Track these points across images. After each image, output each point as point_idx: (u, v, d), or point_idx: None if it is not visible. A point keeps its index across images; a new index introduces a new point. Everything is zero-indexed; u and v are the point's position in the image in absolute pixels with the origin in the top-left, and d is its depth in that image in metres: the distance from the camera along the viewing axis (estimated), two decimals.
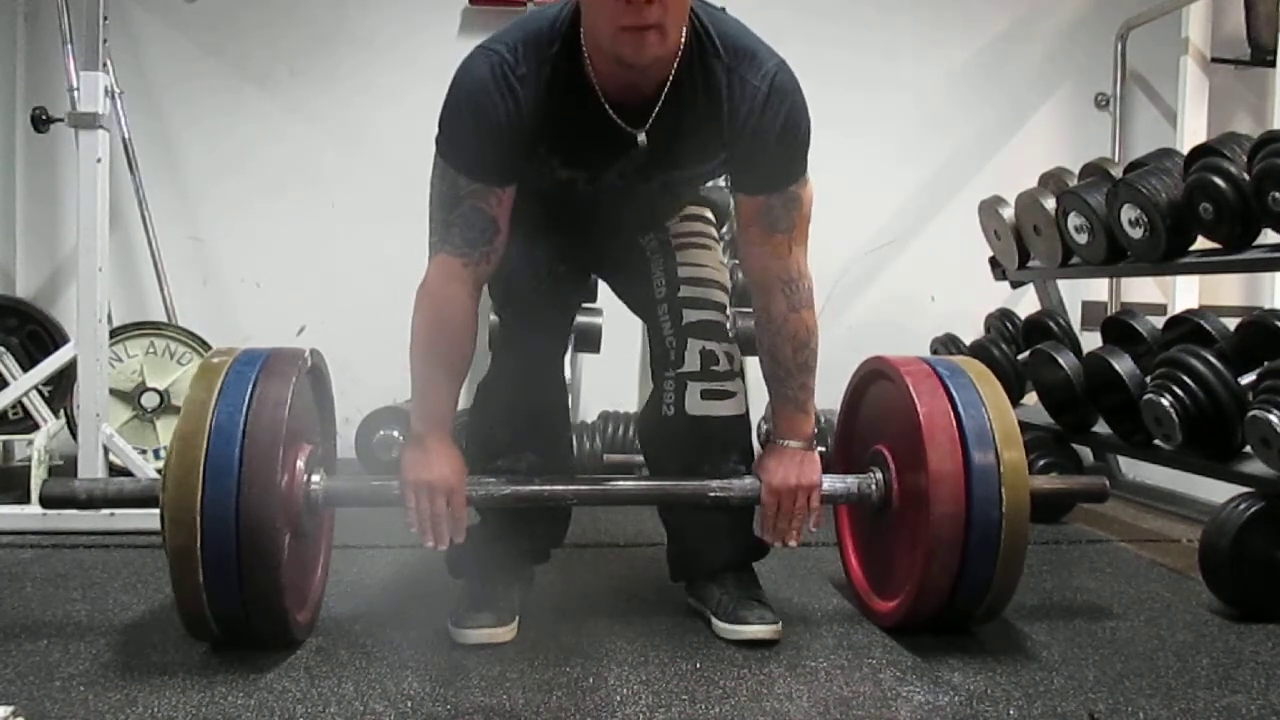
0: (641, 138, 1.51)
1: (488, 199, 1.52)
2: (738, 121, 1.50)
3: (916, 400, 1.60)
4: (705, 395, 1.72)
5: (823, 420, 3.19)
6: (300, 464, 1.57)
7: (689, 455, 1.75)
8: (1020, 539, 1.57)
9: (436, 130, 1.53)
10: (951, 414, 1.59)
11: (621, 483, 1.79)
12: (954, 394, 1.61)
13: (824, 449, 1.73)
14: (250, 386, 1.50)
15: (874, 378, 1.81)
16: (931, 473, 1.54)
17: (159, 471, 1.48)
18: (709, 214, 1.85)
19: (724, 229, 1.90)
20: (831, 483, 1.72)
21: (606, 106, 1.50)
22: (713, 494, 1.68)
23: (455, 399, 1.60)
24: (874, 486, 1.71)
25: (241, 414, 1.47)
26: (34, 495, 2.46)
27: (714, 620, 1.71)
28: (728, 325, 1.77)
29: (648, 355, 1.91)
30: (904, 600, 1.64)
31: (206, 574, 1.44)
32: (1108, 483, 1.79)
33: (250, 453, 1.45)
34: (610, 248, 1.82)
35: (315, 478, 1.60)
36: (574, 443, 2.06)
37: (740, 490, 1.67)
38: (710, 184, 1.84)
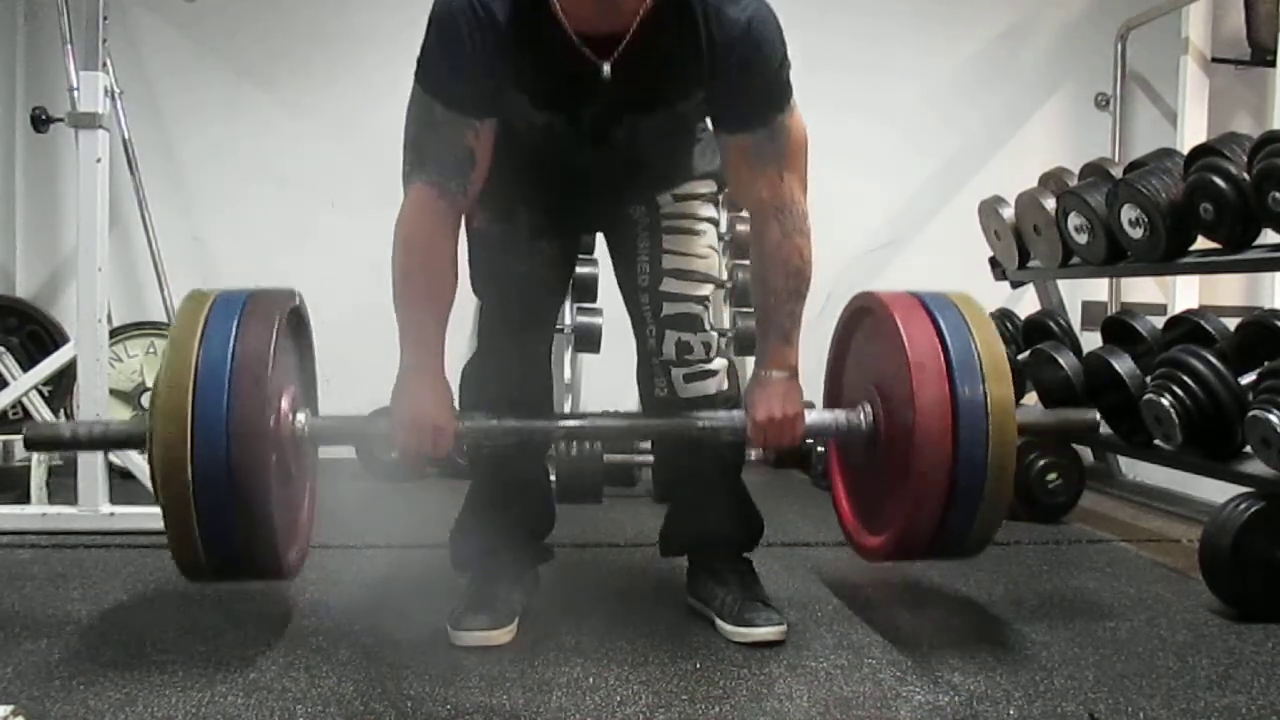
0: (606, 68, 1.47)
1: (465, 130, 1.51)
2: (716, 53, 1.48)
3: (904, 334, 1.58)
4: (688, 379, 1.76)
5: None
6: (285, 404, 1.55)
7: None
8: (1007, 472, 1.56)
9: (418, 57, 1.52)
10: (939, 347, 1.57)
11: (610, 420, 1.77)
12: (942, 327, 1.59)
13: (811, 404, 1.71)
14: (234, 326, 1.48)
15: (863, 314, 1.79)
16: (918, 406, 1.53)
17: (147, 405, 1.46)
18: (710, 187, 1.80)
19: (722, 192, 1.85)
20: (820, 418, 1.72)
21: (573, 36, 1.46)
22: (700, 425, 1.69)
23: (441, 333, 1.58)
24: (862, 421, 1.69)
25: (227, 354, 1.45)
26: (34, 495, 2.46)
27: (718, 622, 1.72)
28: (706, 315, 1.77)
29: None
30: (892, 534, 1.63)
31: (198, 515, 1.42)
32: (1097, 414, 1.78)
33: (237, 392, 1.43)
34: (598, 216, 1.80)
35: (300, 417, 1.59)
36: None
37: (727, 422, 1.68)
38: (703, 140, 1.80)
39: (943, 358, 1.56)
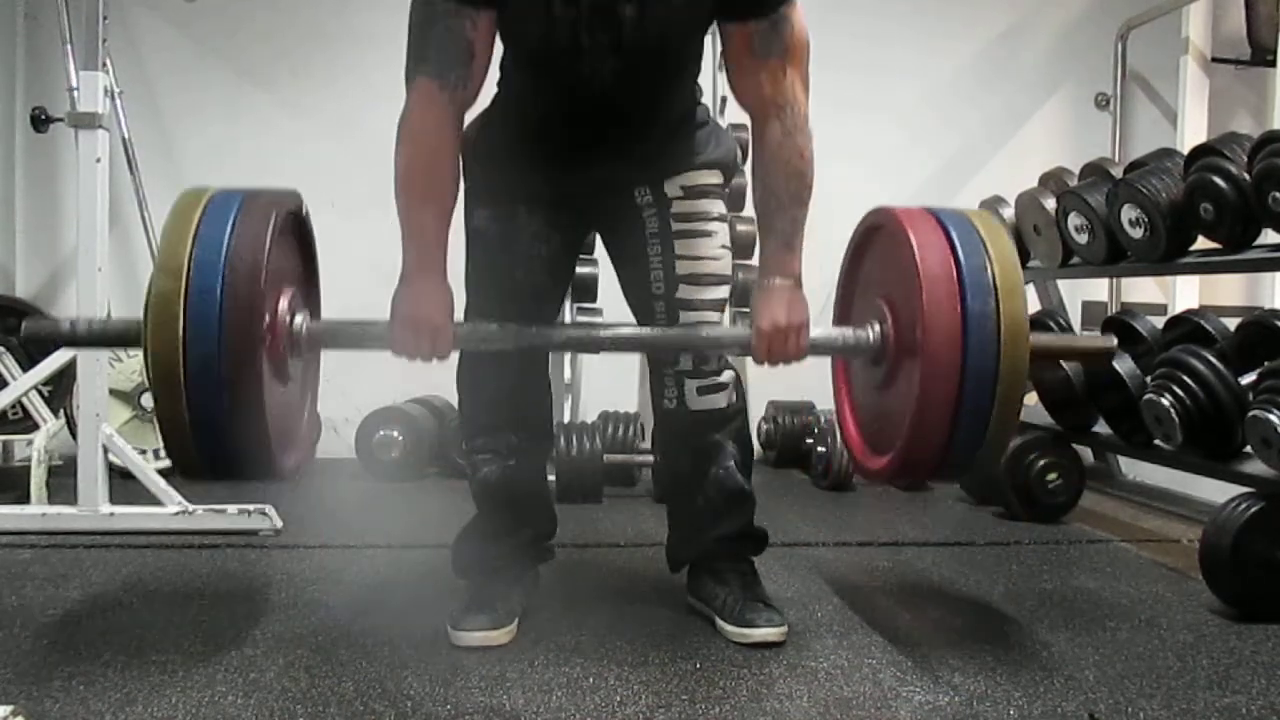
0: None
1: (463, 21, 1.50)
2: None
3: (915, 247, 1.52)
4: (701, 391, 1.76)
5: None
6: (283, 305, 1.52)
7: (693, 441, 1.80)
8: (1016, 392, 1.50)
9: None
10: (951, 261, 1.51)
11: (609, 330, 1.71)
12: (955, 241, 1.53)
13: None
14: (229, 224, 1.44)
15: (875, 230, 1.72)
16: (927, 321, 1.47)
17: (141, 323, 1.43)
18: (717, 178, 1.78)
19: (729, 184, 1.82)
20: (827, 333, 1.66)
21: None
22: (705, 336, 1.67)
23: (444, 234, 1.56)
24: (870, 338, 1.63)
25: (221, 251, 1.41)
26: (34, 495, 2.46)
27: (719, 622, 1.72)
28: (722, 322, 1.78)
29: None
30: (898, 454, 1.57)
31: (191, 413, 1.39)
32: (1115, 342, 1.71)
33: (230, 289, 1.39)
34: (602, 191, 1.74)
35: (299, 319, 1.55)
36: (553, 433, 2.03)
37: (731, 335, 1.66)
38: (708, 125, 1.78)
39: (955, 272, 1.49)
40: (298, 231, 1.64)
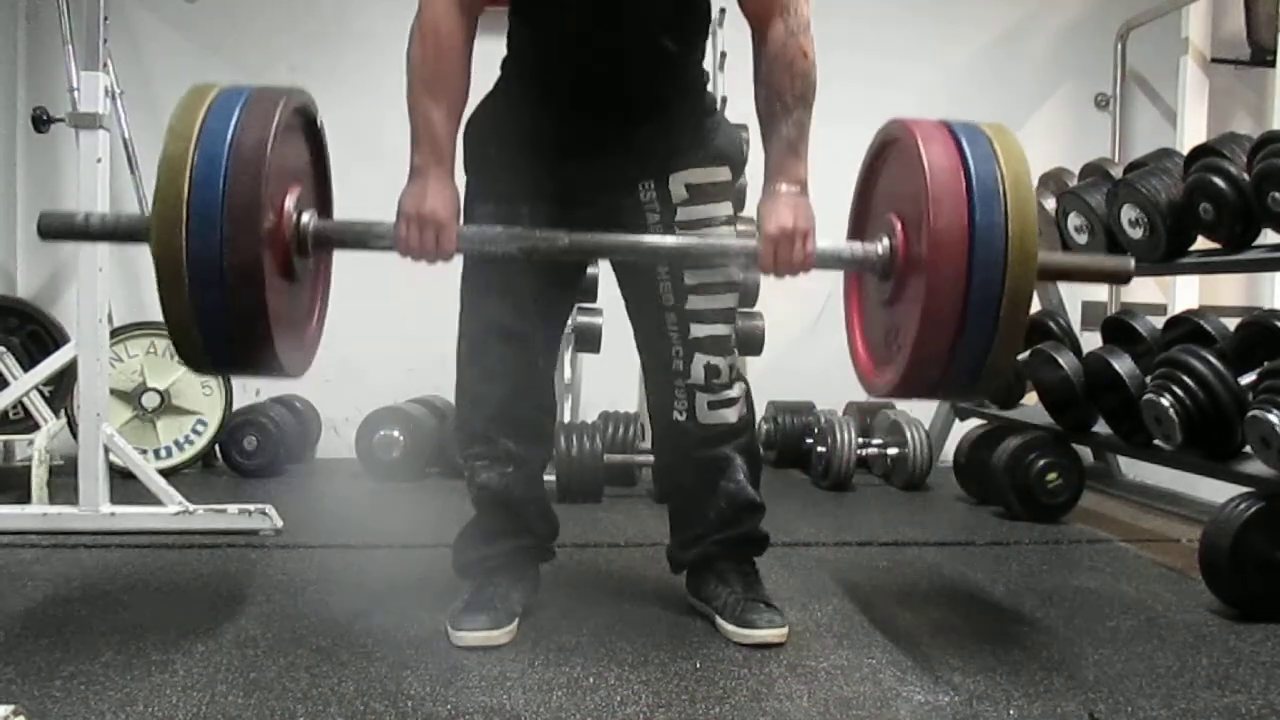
0: None
1: None
2: None
3: (924, 157, 1.49)
4: (712, 405, 1.75)
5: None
6: (289, 202, 1.51)
7: (701, 455, 1.77)
8: (1022, 307, 1.47)
9: None
10: (961, 172, 1.47)
11: (617, 237, 1.67)
12: (966, 152, 1.50)
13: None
14: (235, 118, 1.44)
15: (888, 144, 1.69)
16: (933, 231, 1.45)
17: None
18: (725, 175, 1.76)
19: (738, 179, 1.80)
20: (835, 245, 1.64)
21: None
22: (711, 244, 1.66)
23: (453, 134, 1.59)
24: (878, 251, 1.60)
25: (225, 145, 1.41)
26: (34, 495, 2.46)
27: (720, 621, 1.71)
28: (733, 332, 1.77)
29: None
30: (901, 367, 1.54)
31: (194, 305, 1.40)
32: (1131, 263, 1.66)
33: (232, 183, 1.39)
34: (609, 192, 1.72)
35: (306, 216, 1.54)
36: (552, 437, 2.01)
37: (739, 245, 1.65)
38: (715, 117, 1.77)
39: (964, 184, 1.47)
40: (308, 131, 1.64)
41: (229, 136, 1.41)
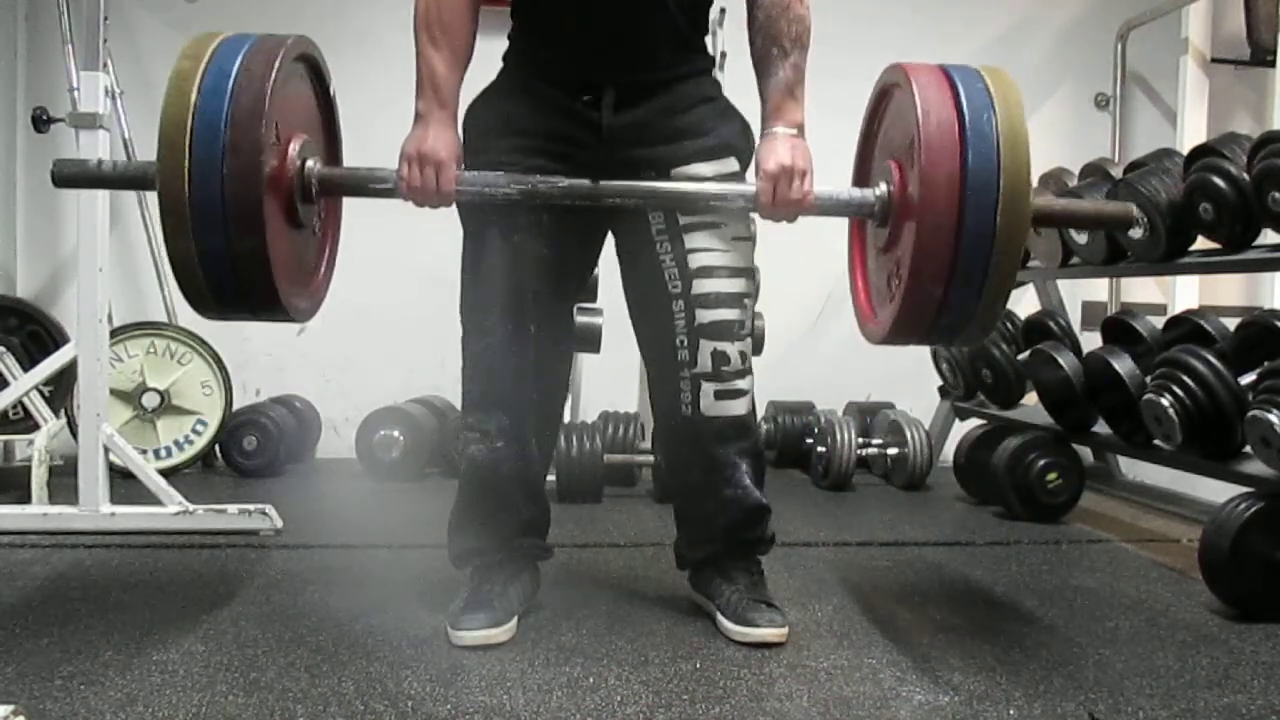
0: None
1: None
2: None
3: (918, 101, 1.49)
4: (719, 395, 1.72)
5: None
6: (293, 148, 1.53)
7: (705, 454, 1.75)
8: (1015, 251, 1.47)
9: None
10: (955, 116, 1.48)
11: (618, 184, 1.65)
12: (961, 96, 1.50)
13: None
14: (237, 64, 1.47)
15: (888, 90, 1.69)
16: (925, 176, 1.45)
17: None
18: (733, 165, 1.72)
19: (746, 166, 1.79)
20: (834, 191, 1.64)
21: None
22: (712, 192, 1.65)
23: (455, 82, 1.63)
24: (875, 196, 1.61)
25: (226, 91, 1.44)
26: (35, 495, 2.46)
27: (720, 619, 1.71)
28: (745, 317, 1.73)
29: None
30: (893, 310, 1.55)
31: (198, 249, 1.42)
32: (1134, 208, 1.64)
33: (233, 129, 1.41)
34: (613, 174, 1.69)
35: (310, 163, 1.56)
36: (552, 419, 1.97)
37: (738, 191, 1.64)
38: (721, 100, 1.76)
39: (957, 129, 1.47)
40: (314, 79, 1.67)
41: (230, 81, 1.44)
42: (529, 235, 1.69)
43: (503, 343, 1.70)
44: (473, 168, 1.63)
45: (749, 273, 1.75)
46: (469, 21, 1.63)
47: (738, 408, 1.74)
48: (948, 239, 1.45)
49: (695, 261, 1.69)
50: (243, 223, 1.41)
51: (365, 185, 1.63)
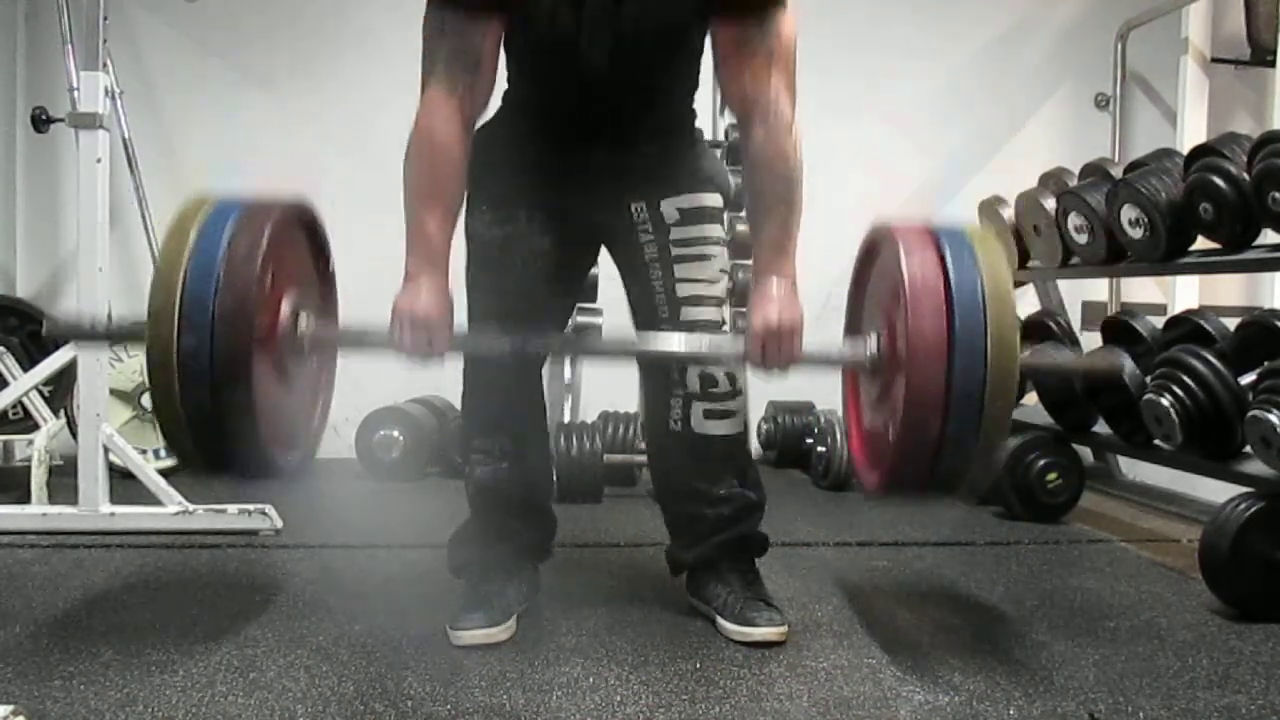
0: None
1: (471, 32, 1.55)
2: None
3: (904, 261, 1.53)
4: (708, 415, 1.75)
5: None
6: (285, 307, 1.54)
7: (694, 466, 1.78)
8: (1005, 409, 1.50)
9: None
10: (940, 275, 1.51)
11: (605, 340, 1.72)
12: (946, 255, 1.53)
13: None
14: (228, 226, 1.46)
15: (875, 245, 1.74)
16: (912, 334, 1.48)
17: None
18: (717, 200, 1.80)
19: (727, 205, 1.82)
20: (824, 347, 1.69)
21: None
22: (699, 344, 1.67)
23: (448, 238, 1.59)
24: (865, 351, 1.64)
25: (218, 254, 1.44)
26: (34, 495, 2.46)
27: (720, 620, 1.71)
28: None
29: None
30: (887, 467, 1.58)
31: (186, 411, 1.42)
32: (1122, 361, 1.66)
33: (224, 292, 1.42)
34: (603, 213, 1.76)
35: (302, 320, 1.56)
36: (549, 440, 2.01)
37: (728, 347, 1.67)
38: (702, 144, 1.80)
39: (943, 287, 1.50)
40: (308, 234, 1.67)
41: (221, 246, 1.44)
42: (533, 248, 1.72)
43: (507, 370, 1.74)
44: (474, 190, 1.66)
45: (723, 302, 1.79)
46: (463, 177, 1.60)
47: (727, 428, 1.76)
48: (939, 395, 1.47)
49: (683, 290, 1.74)
50: (231, 390, 1.42)
51: (357, 343, 1.66)
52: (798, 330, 1.58)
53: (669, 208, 1.75)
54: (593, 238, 1.85)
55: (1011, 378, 1.50)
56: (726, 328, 1.78)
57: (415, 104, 1.60)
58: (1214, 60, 3.67)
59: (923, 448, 1.51)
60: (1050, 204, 2.83)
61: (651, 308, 1.77)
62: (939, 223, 1.61)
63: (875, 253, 1.74)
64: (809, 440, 3.35)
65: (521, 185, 1.72)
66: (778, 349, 1.57)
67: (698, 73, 1.76)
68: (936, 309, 1.49)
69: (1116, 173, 2.67)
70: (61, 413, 3.00)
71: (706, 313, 1.75)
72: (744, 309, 2.68)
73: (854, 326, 1.81)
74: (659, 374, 1.78)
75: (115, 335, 1.76)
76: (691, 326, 1.73)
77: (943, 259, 1.53)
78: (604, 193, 1.74)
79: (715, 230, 1.79)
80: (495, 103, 1.77)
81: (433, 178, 1.57)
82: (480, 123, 1.70)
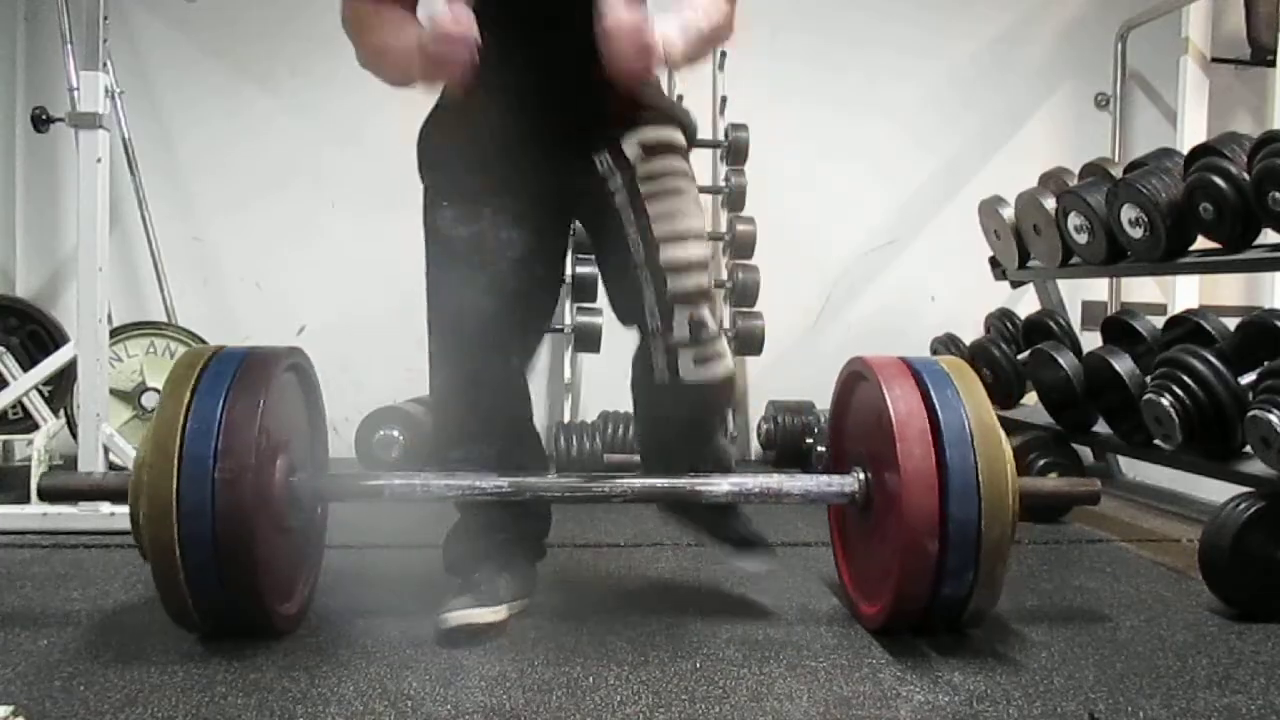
0: None
1: None
2: None
3: (888, 399, 1.58)
4: (698, 361, 1.69)
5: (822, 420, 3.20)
6: (281, 462, 1.58)
7: (683, 418, 1.77)
8: (1002, 538, 1.54)
9: None
10: (925, 413, 1.56)
11: (607, 483, 1.72)
12: (930, 392, 1.59)
13: (822, 449, 1.73)
14: (226, 386, 1.51)
15: (855, 379, 1.80)
16: (904, 473, 1.52)
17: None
18: (679, 137, 1.74)
19: (691, 145, 1.79)
20: (814, 482, 1.73)
21: None
22: (694, 486, 1.72)
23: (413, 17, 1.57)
24: (854, 487, 1.70)
25: (217, 413, 1.48)
26: (34, 495, 2.46)
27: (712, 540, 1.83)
28: (709, 282, 1.72)
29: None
30: (885, 603, 1.62)
31: (186, 570, 1.47)
32: (1099, 484, 1.75)
33: (225, 450, 1.46)
34: (569, 174, 1.69)
35: (297, 477, 1.61)
36: (540, 437, 1.98)
37: (733, 485, 1.73)
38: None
39: (929, 425, 1.55)
40: (301, 382, 1.74)
41: (218, 414, 1.49)
42: (503, 240, 1.67)
43: (481, 372, 1.69)
44: (431, 184, 1.66)
45: (706, 237, 1.75)
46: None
47: (717, 370, 1.71)
48: (933, 532, 1.52)
49: (660, 229, 1.67)
50: (234, 551, 1.46)
51: (355, 497, 1.74)
52: (648, 26, 1.48)
53: (630, 146, 1.67)
54: (562, 211, 1.79)
55: (1006, 512, 1.54)
56: (708, 267, 1.72)
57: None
58: (1214, 60, 3.67)
59: (918, 588, 1.55)
60: (1050, 204, 2.82)
61: (625, 254, 1.68)
62: (913, 358, 1.66)
63: (852, 387, 1.80)
64: (809, 440, 3.35)
65: (481, 170, 1.66)
66: (624, 33, 1.47)
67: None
68: (924, 449, 1.53)
69: (1116, 172, 2.67)
70: (61, 413, 3.00)
71: (688, 249, 1.66)
72: (743, 309, 2.71)
73: (838, 458, 1.86)
74: (640, 326, 1.72)
75: (106, 494, 1.77)
76: (676, 271, 1.66)
77: (926, 396, 1.58)
78: (567, 150, 1.66)
79: (681, 164, 1.73)
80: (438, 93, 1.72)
81: (379, 12, 1.57)
82: (421, 122, 1.69)
